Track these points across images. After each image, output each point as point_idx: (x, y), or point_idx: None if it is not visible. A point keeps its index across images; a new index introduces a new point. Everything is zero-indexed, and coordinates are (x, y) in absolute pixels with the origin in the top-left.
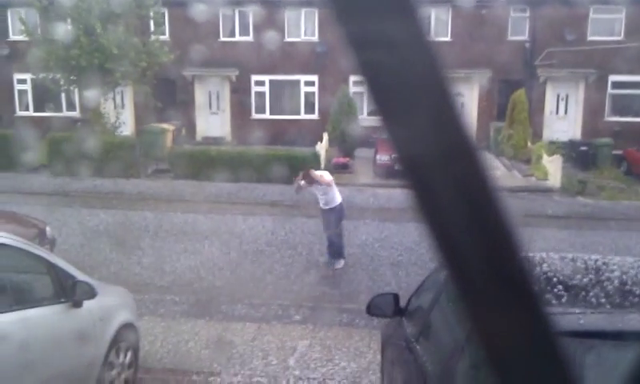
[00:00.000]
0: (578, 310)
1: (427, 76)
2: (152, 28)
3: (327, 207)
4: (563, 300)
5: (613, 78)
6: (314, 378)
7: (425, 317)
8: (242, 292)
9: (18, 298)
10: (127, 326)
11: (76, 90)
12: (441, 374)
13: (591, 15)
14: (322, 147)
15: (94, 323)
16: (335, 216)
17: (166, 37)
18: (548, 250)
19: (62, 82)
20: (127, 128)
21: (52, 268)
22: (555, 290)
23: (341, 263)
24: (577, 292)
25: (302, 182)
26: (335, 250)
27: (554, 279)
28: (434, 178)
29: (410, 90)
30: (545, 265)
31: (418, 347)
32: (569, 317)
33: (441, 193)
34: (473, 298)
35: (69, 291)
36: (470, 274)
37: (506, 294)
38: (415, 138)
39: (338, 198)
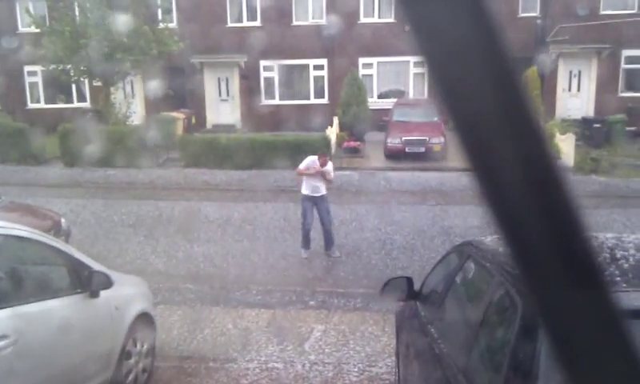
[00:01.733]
0: None
1: (491, 57)
2: (160, 16)
3: (323, 194)
4: None
5: (626, 52)
6: (330, 363)
7: (439, 299)
8: (256, 278)
9: (36, 290)
10: (144, 315)
11: (86, 81)
12: (456, 357)
13: None
14: (332, 131)
15: (110, 313)
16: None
17: (173, 24)
18: None
19: (72, 73)
20: (138, 117)
21: (68, 259)
22: None
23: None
24: None
25: (322, 169)
26: (330, 237)
27: None
28: (497, 156)
29: (473, 73)
30: None
31: (432, 330)
32: None
33: (504, 171)
34: (536, 277)
35: (85, 282)
36: (534, 253)
37: (571, 273)
38: (479, 119)
39: None
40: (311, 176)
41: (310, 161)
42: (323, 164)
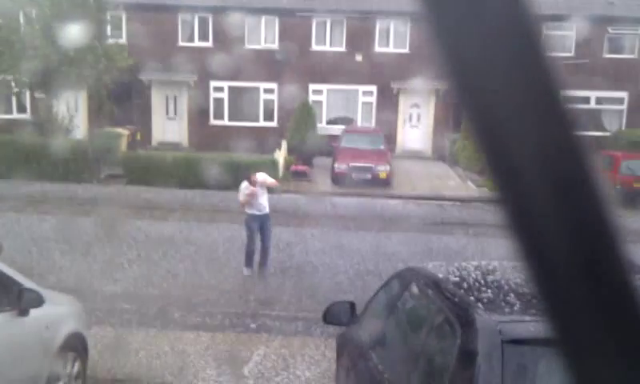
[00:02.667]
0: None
1: (535, 75)
2: (109, 31)
3: (267, 212)
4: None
5: None
6: None
7: (381, 324)
8: (196, 300)
9: None
10: (75, 335)
11: (27, 92)
12: (397, 382)
13: None
14: (280, 155)
15: (40, 332)
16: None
17: (123, 40)
18: (502, 258)
19: (13, 85)
20: (80, 131)
21: None
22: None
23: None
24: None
25: (256, 188)
26: (268, 255)
27: (506, 287)
28: (531, 185)
29: (521, 115)
30: (498, 273)
31: (373, 355)
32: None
33: (540, 201)
34: (567, 319)
35: (14, 299)
36: (568, 298)
37: (609, 319)
38: (514, 139)
39: None
40: (255, 196)
41: (245, 186)
42: (254, 183)
